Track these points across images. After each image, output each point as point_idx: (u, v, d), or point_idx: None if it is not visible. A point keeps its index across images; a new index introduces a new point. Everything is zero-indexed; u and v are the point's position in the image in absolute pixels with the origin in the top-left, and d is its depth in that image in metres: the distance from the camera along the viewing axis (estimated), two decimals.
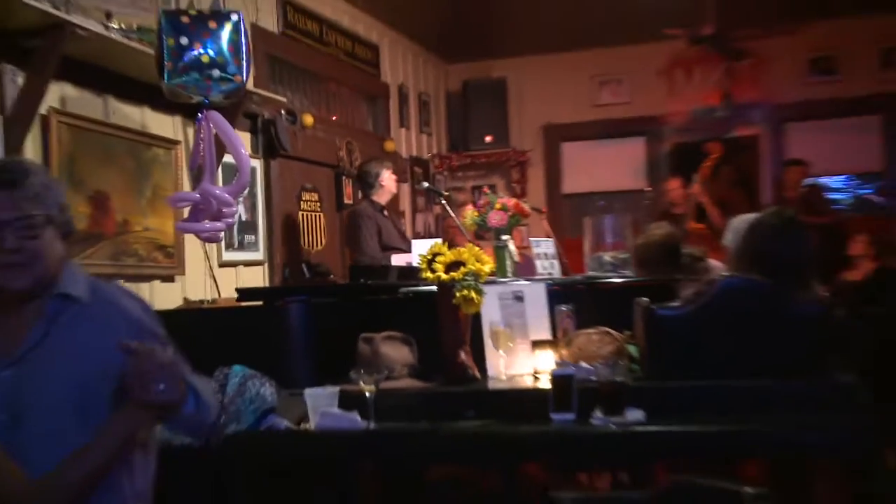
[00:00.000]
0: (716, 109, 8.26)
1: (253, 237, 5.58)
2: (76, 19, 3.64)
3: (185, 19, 3.60)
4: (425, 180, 7.73)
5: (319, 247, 6.33)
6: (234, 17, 3.70)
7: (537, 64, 8.65)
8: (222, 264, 5.22)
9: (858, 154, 8.24)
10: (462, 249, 2.87)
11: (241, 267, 5.45)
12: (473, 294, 2.79)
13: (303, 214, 6.18)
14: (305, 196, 6.22)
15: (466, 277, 2.78)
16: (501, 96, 8.61)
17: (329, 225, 6.47)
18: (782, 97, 8.26)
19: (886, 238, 6.50)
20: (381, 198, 5.87)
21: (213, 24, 3.62)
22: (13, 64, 3.73)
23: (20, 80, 3.68)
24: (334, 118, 6.74)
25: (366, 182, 5.93)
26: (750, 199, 8.03)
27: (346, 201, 6.61)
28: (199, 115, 3.94)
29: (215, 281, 5.05)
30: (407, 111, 7.99)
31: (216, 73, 3.63)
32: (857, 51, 8.08)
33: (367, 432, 2.65)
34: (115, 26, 3.99)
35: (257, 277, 5.62)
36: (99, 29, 3.79)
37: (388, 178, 5.86)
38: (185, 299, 4.73)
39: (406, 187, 7.74)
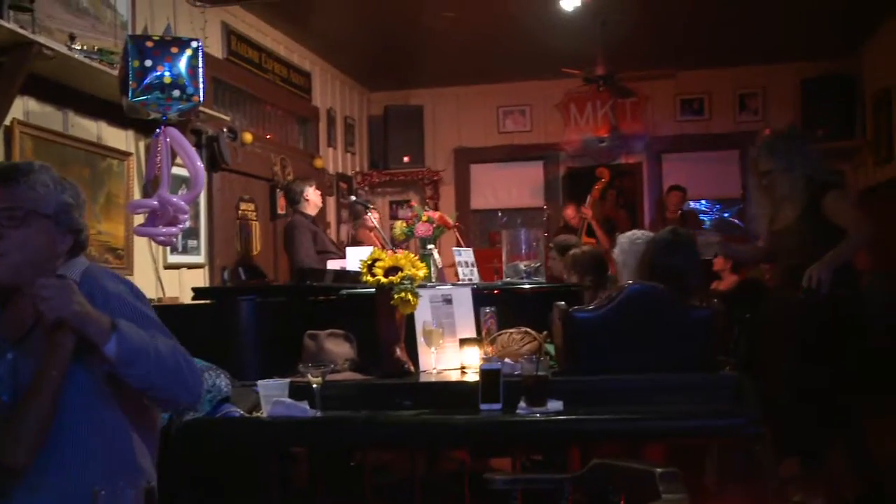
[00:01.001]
0: (604, 139, 8.43)
1: (196, 242, 5.49)
2: (42, 39, 3.54)
3: (149, 44, 3.55)
4: (350, 194, 7.72)
5: (255, 252, 6.27)
6: (194, 44, 3.67)
7: (450, 94, 8.69)
8: (167, 266, 5.14)
9: (721, 182, 8.47)
10: (399, 255, 2.84)
11: (184, 269, 5.36)
12: (410, 296, 2.76)
13: (240, 223, 6.12)
14: (243, 206, 6.16)
15: (403, 281, 2.75)
16: (418, 122, 8.63)
17: (263, 232, 6.41)
18: (659, 131, 8.49)
19: None
20: (309, 210, 5.87)
21: (174, 49, 3.58)
22: None
23: None
24: (269, 137, 6.67)
25: (292, 198, 5.92)
26: (631, 218, 8.28)
27: (280, 212, 6.55)
28: (158, 130, 3.89)
29: (161, 281, 4.99)
30: (334, 132, 7.95)
31: (176, 93, 3.59)
32: (720, 95, 8.39)
33: (315, 420, 2.58)
34: (78, 47, 3.89)
35: (199, 279, 5.53)
36: (63, 49, 3.70)
37: (312, 194, 5.87)
38: None
39: (332, 200, 7.73)
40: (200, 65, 3.70)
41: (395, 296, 2.75)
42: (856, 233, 3.24)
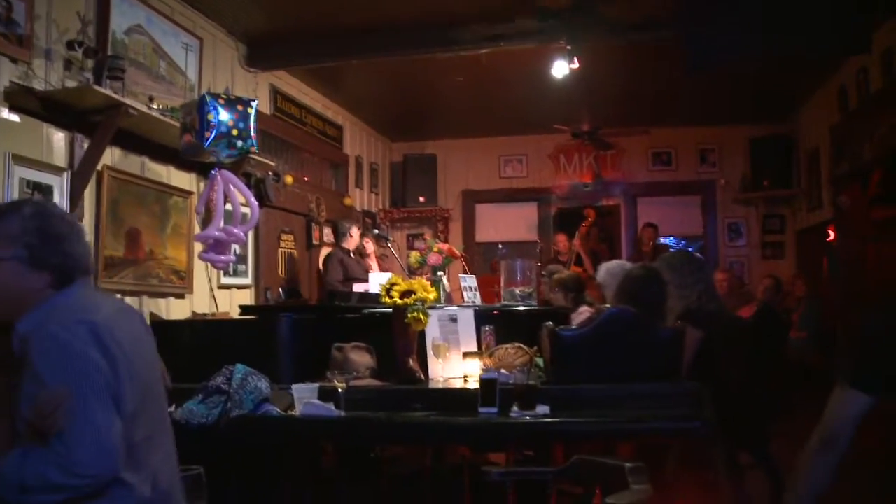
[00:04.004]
0: (588, 185, 8.46)
1: (244, 267, 5.56)
2: (129, 101, 3.64)
3: (221, 100, 3.58)
4: (374, 228, 7.77)
5: (293, 275, 6.30)
6: (254, 103, 3.71)
7: (460, 145, 8.73)
8: (221, 286, 5.19)
9: (685, 222, 8.49)
10: (413, 281, 2.82)
11: (234, 289, 5.42)
12: (422, 316, 2.75)
13: (281, 251, 6.17)
14: (284, 237, 6.21)
15: (417, 303, 2.74)
16: (432, 167, 8.64)
17: (301, 260, 6.45)
18: (635, 178, 8.51)
19: None
20: (349, 245, 5.97)
21: (240, 107, 3.61)
22: (82, 133, 3.72)
23: (85, 145, 3.66)
24: (307, 179, 6.73)
25: (339, 232, 6.06)
26: (611, 251, 8.28)
27: (314, 242, 6.59)
28: (213, 171, 3.89)
29: (215, 299, 5.04)
30: (361, 175, 7.99)
31: (239, 142, 3.62)
32: (685, 149, 8.43)
33: (340, 418, 2.59)
34: (156, 107, 3.99)
35: (246, 297, 5.58)
36: (145, 109, 3.80)
37: (354, 232, 6.03)
38: (193, 312, 4.69)
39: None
40: (253, 120, 3.75)
41: (409, 315, 2.74)
42: None
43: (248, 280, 5.60)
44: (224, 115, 3.52)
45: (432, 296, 2.74)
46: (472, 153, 8.75)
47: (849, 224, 5.62)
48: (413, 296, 2.68)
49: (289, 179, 6.09)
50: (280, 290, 5.98)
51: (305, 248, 6.55)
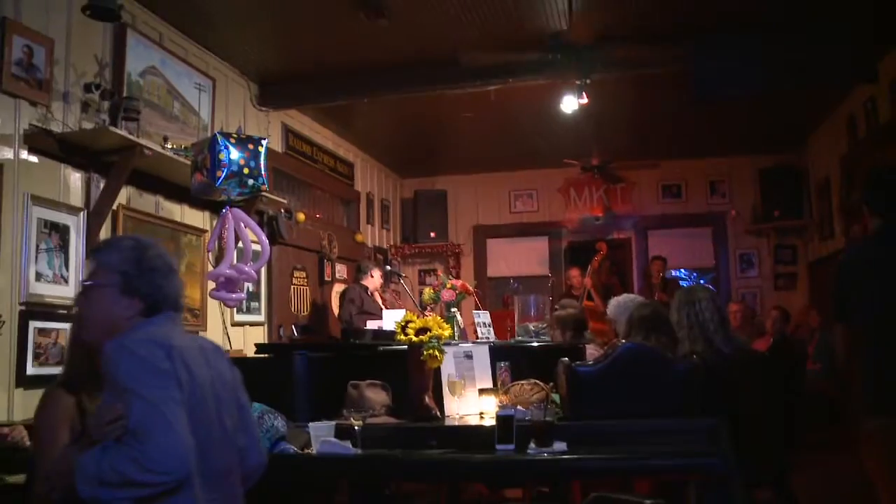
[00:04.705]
0: (599, 218, 8.48)
1: (257, 304, 5.58)
2: (144, 142, 3.71)
3: (232, 139, 3.62)
4: (386, 264, 7.79)
5: (306, 312, 6.32)
6: (264, 142, 3.74)
7: (470, 180, 8.79)
8: (234, 324, 5.22)
9: (696, 254, 8.49)
10: (428, 318, 2.79)
11: (247, 326, 5.44)
12: (437, 353, 2.72)
13: (294, 288, 6.20)
14: (297, 274, 6.24)
15: (432, 340, 2.71)
16: (442, 203, 8.71)
17: (313, 296, 6.47)
18: (645, 211, 8.53)
19: None
20: (367, 283, 6.00)
21: (251, 146, 3.65)
22: (98, 173, 3.78)
23: (101, 185, 3.72)
24: (318, 216, 6.79)
25: (360, 270, 6.12)
26: (623, 284, 8.26)
27: (327, 279, 6.62)
28: (224, 209, 3.88)
29: (229, 336, 5.06)
30: (372, 212, 8.04)
31: (250, 181, 3.64)
32: (695, 182, 8.46)
33: (357, 457, 2.56)
34: (170, 146, 4.06)
35: (260, 334, 5.60)
36: (159, 149, 3.86)
37: (376, 273, 6.09)
38: None
39: None
40: (263, 159, 3.77)
41: (425, 352, 2.72)
42: None
43: (261, 317, 5.62)
44: (235, 154, 3.56)
45: (447, 333, 2.72)
46: (482, 188, 8.81)
47: None
48: (428, 333, 2.66)
49: (301, 217, 6.14)
50: (293, 327, 5.99)
51: (318, 285, 6.57)
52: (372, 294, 6.04)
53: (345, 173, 7.39)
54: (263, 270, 5.62)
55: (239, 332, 5.28)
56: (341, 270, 6.84)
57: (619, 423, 2.51)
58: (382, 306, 6.05)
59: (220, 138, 3.55)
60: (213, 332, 4.83)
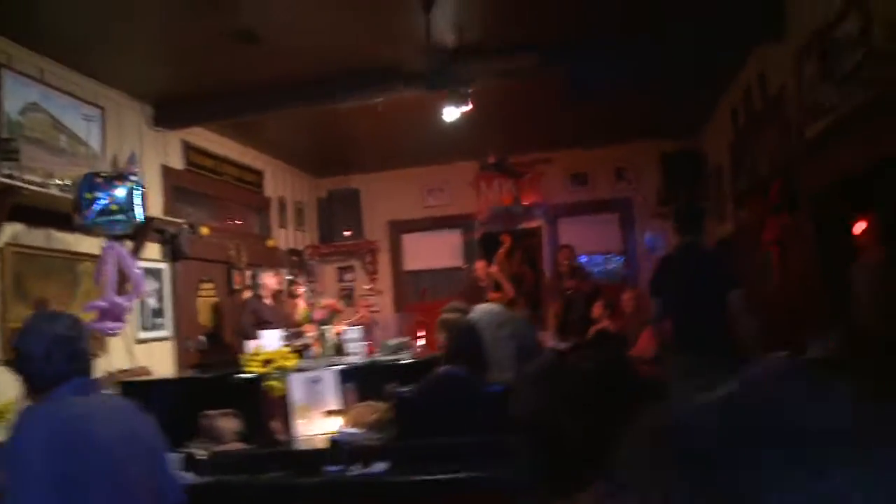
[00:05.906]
0: (509, 208, 8.77)
1: (162, 320, 5.80)
2: (24, 180, 3.86)
3: (98, 180, 3.82)
4: (301, 266, 8.02)
5: (214, 323, 6.53)
6: (133, 178, 3.94)
7: (382, 178, 8.96)
8: (139, 341, 5.44)
9: (605, 240, 8.86)
10: (276, 350, 3.00)
11: (153, 343, 5.67)
12: (276, 383, 3.00)
13: (201, 300, 6.42)
14: (203, 286, 6.45)
15: (274, 372, 2.97)
16: (356, 201, 8.88)
17: (223, 306, 6.67)
18: (554, 200, 8.84)
19: (614, 304, 7.16)
20: (262, 293, 6.23)
21: (118, 182, 3.87)
22: None
23: None
24: (225, 226, 6.93)
25: (254, 285, 6.35)
26: (535, 272, 8.65)
27: (236, 287, 6.82)
28: (105, 245, 4.17)
29: (132, 354, 5.29)
30: (285, 216, 8.20)
31: (120, 216, 3.87)
32: (601, 169, 8.78)
33: (202, 485, 2.71)
34: (57, 182, 4.22)
35: (166, 349, 5.83)
36: (38, 188, 4.04)
37: (267, 279, 6.26)
38: (108, 373, 4.93)
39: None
40: (139, 191, 3.99)
41: (263, 383, 2.98)
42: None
43: (167, 332, 5.86)
44: (100, 193, 3.78)
45: (291, 363, 3.00)
46: (395, 184, 9.00)
47: (751, 236, 6.20)
48: (271, 364, 2.95)
49: (204, 231, 6.34)
50: (200, 338, 6.24)
51: (227, 294, 6.79)
52: (273, 300, 6.28)
53: (253, 181, 7.55)
54: (167, 287, 5.88)
55: (145, 349, 5.51)
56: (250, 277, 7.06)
57: (428, 443, 2.66)
58: (290, 310, 6.29)
59: (87, 179, 3.77)
60: (117, 351, 5.06)
